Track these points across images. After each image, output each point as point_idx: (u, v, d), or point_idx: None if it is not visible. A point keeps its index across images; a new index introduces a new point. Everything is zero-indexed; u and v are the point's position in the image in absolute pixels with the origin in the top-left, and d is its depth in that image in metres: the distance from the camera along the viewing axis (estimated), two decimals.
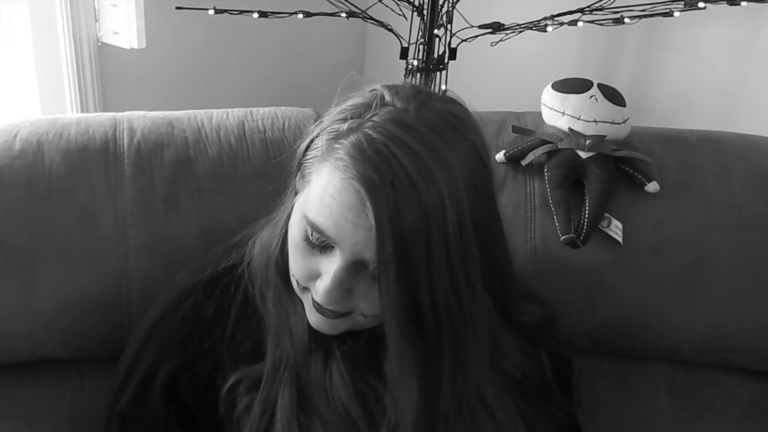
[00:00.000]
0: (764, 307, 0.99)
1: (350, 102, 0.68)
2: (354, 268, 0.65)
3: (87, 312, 0.87)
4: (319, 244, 0.66)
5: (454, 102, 0.69)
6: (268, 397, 0.72)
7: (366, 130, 0.63)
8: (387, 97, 0.66)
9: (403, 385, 0.68)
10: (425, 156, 0.61)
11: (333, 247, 0.65)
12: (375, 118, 0.64)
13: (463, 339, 0.67)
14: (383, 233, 0.60)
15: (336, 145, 0.64)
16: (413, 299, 0.63)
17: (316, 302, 0.69)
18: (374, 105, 0.65)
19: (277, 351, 0.73)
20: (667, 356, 1.04)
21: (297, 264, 0.69)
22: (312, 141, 0.68)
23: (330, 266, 0.65)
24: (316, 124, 0.70)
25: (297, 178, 0.71)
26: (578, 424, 0.88)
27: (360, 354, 0.74)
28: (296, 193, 0.71)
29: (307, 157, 0.68)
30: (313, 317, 0.70)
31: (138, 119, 0.94)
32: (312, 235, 0.65)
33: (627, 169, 0.98)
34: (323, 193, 0.64)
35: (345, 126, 0.65)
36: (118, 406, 0.75)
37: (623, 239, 0.95)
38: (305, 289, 0.70)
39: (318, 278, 0.67)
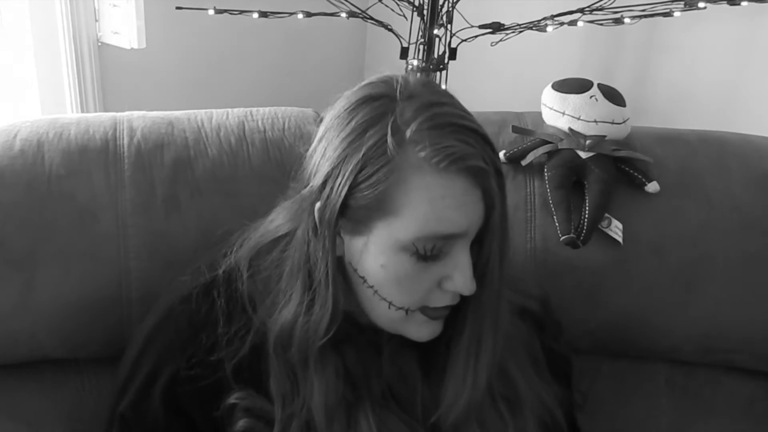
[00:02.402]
0: (764, 307, 0.99)
1: (361, 121, 0.65)
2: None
3: (87, 312, 0.87)
4: (435, 253, 0.66)
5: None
6: None
7: (423, 126, 0.64)
8: (397, 95, 0.66)
9: (483, 345, 0.71)
10: (467, 116, 0.66)
11: (445, 246, 0.66)
12: (415, 113, 0.64)
13: (504, 288, 0.72)
14: (497, 193, 0.65)
15: (419, 152, 0.63)
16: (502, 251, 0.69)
17: (433, 310, 0.69)
18: (396, 107, 0.65)
19: (289, 404, 0.71)
20: (667, 356, 1.04)
21: (411, 290, 0.68)
22: (355, 182, 0.64)
23: (455, 261, 0.66)
24: (330, 169, 0.66)
25: (342, 222, 0.67)
26: (575, 420, 0.88)
27: (385, 389, 0.73)
28: (334, 240, 0.67)
29: (366, 195, 0.64)
30: (425, 330, 0.71)
31: (138, 119, 0.95)
32: (434, 248, 0.65)
33: (627, 169, 0.98)
34: (431, 203, 0.63)
35: (407, 134, 0.63)
36: (119, 408, 0.75)
37: (623, 239, 0.95)
38: (412, 312, 0.69)
39: (441, 284, 0.68)
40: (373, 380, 0.73)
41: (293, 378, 0.71)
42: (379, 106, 0.66)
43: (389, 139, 0.63)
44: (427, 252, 0.65)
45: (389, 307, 0.69)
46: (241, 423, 0.71)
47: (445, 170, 0.63)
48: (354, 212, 0.66)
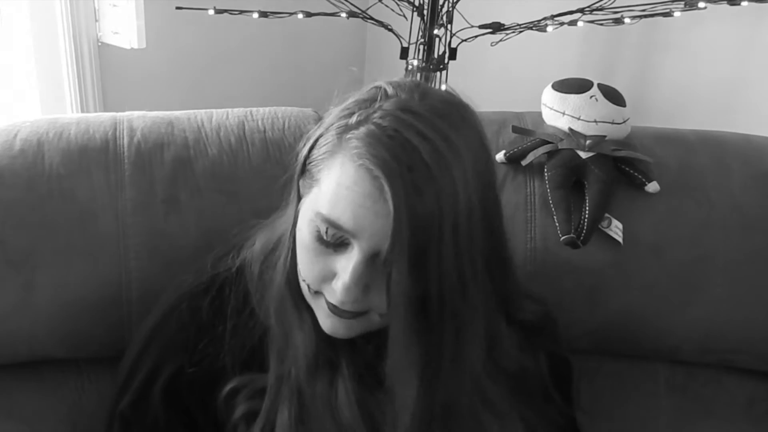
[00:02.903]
0: (764, 307, 0.99)
1: (353, 99, 0.68)
2: (371, 262, 0.64)
3: (87, 312, 0.87)
4: (334, 241, 0.65)
5: (450, 92, 0.71)
6: (270, 411, 0.71)
7: (375, 119, 0.63)
8: (390, 90, 0.66)
9: (402, 378, 0.67)
10: (435, 140, 0.62)
11: (348, 244, 0.65)
12: (383, 108, 0.64)
13: (464, 329, 0.67)
14: (401, 217, 0.60)
15: (348, 136, 0.64)
16: (423, 287, 0.63)
17: (332, 305, 0.68)
18: (379, 97, 0.66)
19: (281, 367, 0.72)
20: (667, 356, 1.04)
21: (309, 266, 0.68)
22: (316, 141, 0.68)
23: (347, 263, 0.65)
24: (316, 127, 0.70)
25: (301, 182, 0.70)
26: (577, 428, 0.87)
27: (368, 363, 0.73)
28: (299, 198, 0.70)
29: (313, 157, 0.68)
30: (328, 323, 0.70)
31: (138, 119, 0.95)
32: (327, 232, 0.65)
33: (627, 169, 0.98)
34: (338, 186, 0.63)
35: (353, 119, 0.65)
36: (120, 407, 0.75)
37: (623, 239, 0.95)
38: (317, 294, 0.69)
39: (333, 278, 0.66)
40: (357, 353, 0.73)
41: (285, 338, 0.73)
42: (366, 93, 0.68)
43: (340, 120, 0.66)
44: (325, 235, 0.65)
45: (299, 274, 0.70)
46: (241, 407, 0.72)
47: (361, 167, 0.62)
48: (305, 174, 0.69)
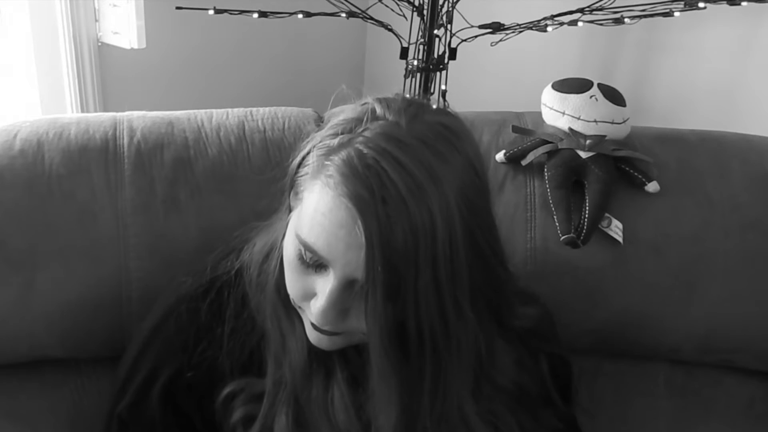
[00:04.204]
0: (764, 307, 0.99)
1: (341, 117, 0.66)
2: (349, 288, 0.64)
3: (87, 312, 0.87)
4: (313, 263, 0.65)
5: (447, 114, 0.68)
6: (268, 416, 0.71)
7: (357, 145, 0.62)
8: (378, 111, 0.65)
9: (382, 403, 0.67)
10: (416, 172, 0.60)
11: (326, 267, 0.64)
12: (366, 133, 0.63)
13: (446, 363, 0.66)
14: (373, 251, 0.59)
15: (327, 162, 0.63)
16: (399, 320, 0.62)
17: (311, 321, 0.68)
18: (365, 119, 0.64)
19: (278, 371, 0.72)
20: (668, 356, 1.04)
21: (292, 283, 0.68)
22: (304, 158, 0.67)
23: (324, 286, 0.64)
24: (308, 140, 0.69)
25: (291, 196, 0.70)
26: (578, 428, 0.87)
27: (361, 371, 0.72)
28: (290, 211, 0.70)
29: (300, 174, 0.67)
30: (312, 335, 0.70)
31: (138, 119, 0.95)
32: (305, 254, 0.64)
33: (627, 169, 0.98)
34: (315, 212, 0.63)
35: (336, 141, 0.64)
36: (117, 409, 0.75)
37: (623, 239, 0.95)
38: (299, 307, 0.70)
39: (313, 298, 0.66)
40: (350, 360, 0.73)
41: (281, 342, 0.73)
42: (355, 111, 0.66)
43: (325, 140, 0.65)
44: (304, 256, 0.65)
45: (287, 288, 0.70)
46: (238, 411, 0.72)
47: (336, 197, 0.61)
48: (294, 188, 0.68)
